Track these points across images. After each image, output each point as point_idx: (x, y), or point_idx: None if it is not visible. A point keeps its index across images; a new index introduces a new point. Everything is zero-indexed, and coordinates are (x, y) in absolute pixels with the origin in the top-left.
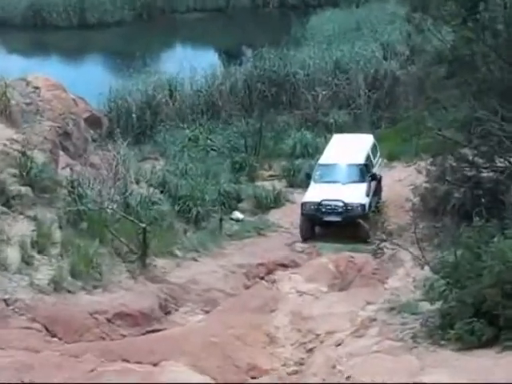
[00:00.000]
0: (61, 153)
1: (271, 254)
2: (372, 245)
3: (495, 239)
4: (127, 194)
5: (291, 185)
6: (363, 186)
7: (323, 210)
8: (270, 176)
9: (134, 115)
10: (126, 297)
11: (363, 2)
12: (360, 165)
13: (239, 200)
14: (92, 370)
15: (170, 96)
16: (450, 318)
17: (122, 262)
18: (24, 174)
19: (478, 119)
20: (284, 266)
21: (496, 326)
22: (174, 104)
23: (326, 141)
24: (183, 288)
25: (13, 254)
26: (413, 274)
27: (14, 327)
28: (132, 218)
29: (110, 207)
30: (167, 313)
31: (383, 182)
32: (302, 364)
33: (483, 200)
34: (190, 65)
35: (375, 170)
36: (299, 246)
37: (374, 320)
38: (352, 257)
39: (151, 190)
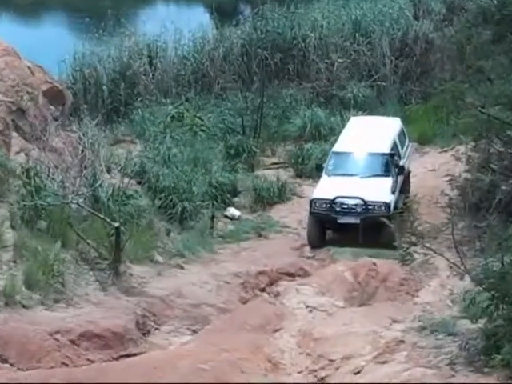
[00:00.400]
0: (13, 134)
1: (274, 260)
2: (399, 249)
3: None
4: (96, 185)
5: (299, 175)
6: (388, 181)
7: (337, 209)
8: (274, 164)
9: (104, 88)
10: (95, 313)
11: None
12: (384, 154)
13: (235, 193)
14: None
15: (149, 64)
16: (496, 340)
17: (90, 270)
18: None
19: None
20: (290, 275)
21: None
22: (154, 74)
23: (343, 121)
24: (166, 302)
25: None
26: (449, 285)
27: None
28: (102, 216)
29: (74, 202)
30: (146, 333)
31: (413, 172)
32: None
33: None
34: (174, 26)
35: (403, 163)
36: (309, 250)
37: (402, 342)
38: (374, 264)
39: (126, 180)
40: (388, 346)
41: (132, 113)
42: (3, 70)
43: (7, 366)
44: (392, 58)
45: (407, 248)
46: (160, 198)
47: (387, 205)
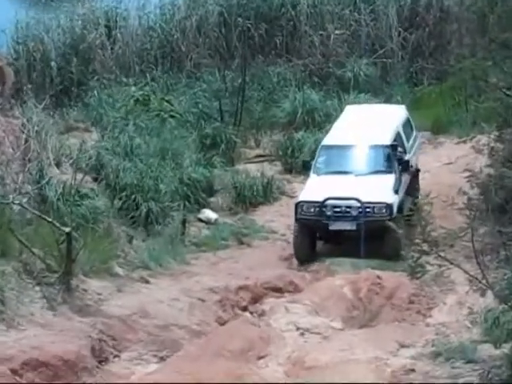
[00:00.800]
0: None
1: (259, 272)
2: (408, 260)
3: None
4: (43, 182)
5: (289, 170)
6: (389, 179)
7: (328, 213)
8: (258, 157)
9: (53, 64)
10: (42, 337)
11: None
12: (385, 147)
13: (211, 192)
14: None
15: (107, 36)
16: None
17: (36, 285)
18: None
19: None
20: (278, 290)
21: None
22: (113, 48)
23: (341, 105)
24: (127, 323)
25: None
26: (468, 302)
27: None
28: (50, 219)
29: (16, 202)
30: (103, 360)
31: (425, 166)
32: None
33: None
34: None
35: (409, 158)
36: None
37: (412, 371)
38: (379, 277)
39: (79, 176)
40: (395, 375)
41: (86, 95)
42: None
43: None
44: (400, 29)
45: (418, 258)
46: (120, 198)
47: (389, 206)
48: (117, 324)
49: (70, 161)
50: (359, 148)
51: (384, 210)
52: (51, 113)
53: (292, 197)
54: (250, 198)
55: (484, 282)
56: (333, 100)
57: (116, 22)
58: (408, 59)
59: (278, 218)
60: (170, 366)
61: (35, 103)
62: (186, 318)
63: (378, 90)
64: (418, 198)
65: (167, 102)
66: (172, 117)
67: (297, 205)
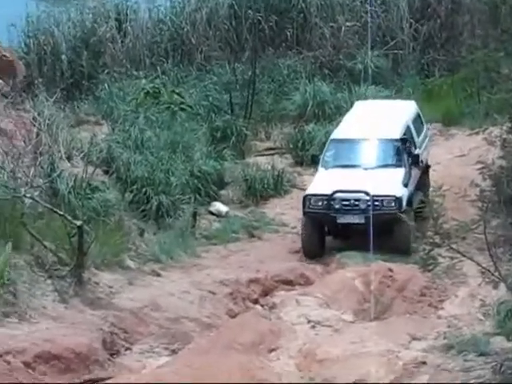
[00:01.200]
0: None
1: (269, 265)
2: (419, 252)
3: None
4: (54, 175)
5: (299, 162)
6: (399, 172)
7: (337, 206)
8: (268, 149)
9: (63, 58)
10: (54, 329)
11: None
12: (394, 140)
13: (222, 185)
14: None
15: (117, 29)
16: None
17: (48, 278)
18: None
19: None
20: (288, 283)
21: None
22: (123, 42)
23: (351, 97)
24: (138, 316)
25: None
26: (481, 295)
27: None
28: (62, 212)
29: (28, 195)
30: (114, 353)
31: (437, 158)
32: None
33: None
34: None
35: (419, 153)
36: None
37: (424, 364)
38: (390, 269)
39: (90, 169)
40: (406, 368)
41: (97, 88)
42: None
43: None
44: (411, 20)
45: (429, 250)
46: (131, 191)
47: (398, 199)
48: (128, 317)
49: (81, 154)
50: (368, 142)
51: (393, 203)
52: (62, 106)
53: (303, 189)
54: (260, 190)
55: (497, 274)
56: (343, 92)
57: (126, 15)
58: (419, 51)
59: (289, 211)
60: (181, 359)
61: (46, 97)
62: (197, 311)
63: (389, 82)
64: (428, 193)
65: (177, 94)
66: (182, 109)
67: (304, 198)
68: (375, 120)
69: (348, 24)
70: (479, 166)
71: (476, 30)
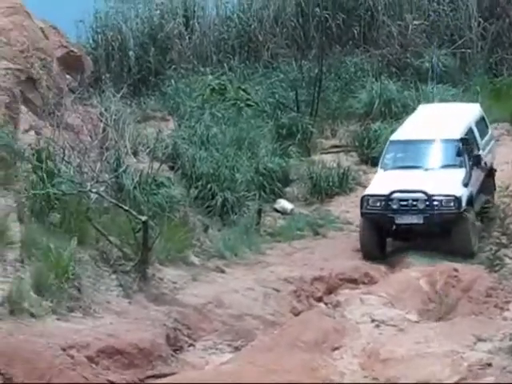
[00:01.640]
0: (22, 109)
1: (334, 263)
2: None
3: None
4: (120, 170)
5: (365, 161)
6: (459, 172)
7: (394, 207)
8: (334, 147)
9: (131, 54)
10: (118, 324)
11: None
12: (455, 141)
13: (287, 182)
14: None
15: (185, 26)
16: None
17: (112, 273)
18: None
19: None
20: (353, 281)
21: None
22: (190, 38)
23: (418, 96)
24: (202, 313)
25: None
26: None
27: None
28: (127, 208)
29: (94, 190)
30: (178, 349)
31: (504, 158)
32: None
33: None
34: None
35: (482, 155)
36: None
37: (489, 365)
38: (455, 270)
39: (156, 165)
40: (471, 369)
41: (164, 84)
42: (10, 31)
43: None
44: (479, 19)
45: (496, 251)
46: (196, 187)
47: (457, 200)
48: (192, 313)
49: (147, 150)
50: (428, 143)
51: (452, 203)
52: (129, 102)
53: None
54: (325, 188)
55: None
56: (410, 91)
57: (194, 11)
58: (487, 50)
59: (354, 209)
60: (243, 357)
61: (113, 92)
62: (261, 308)
63: (456, 81)
64: (493, 197)
65: (243, 91)
66: (248, 106)
67: (362, 199)
68: (436, 121)
69: (415, 22)
70: None
71: None
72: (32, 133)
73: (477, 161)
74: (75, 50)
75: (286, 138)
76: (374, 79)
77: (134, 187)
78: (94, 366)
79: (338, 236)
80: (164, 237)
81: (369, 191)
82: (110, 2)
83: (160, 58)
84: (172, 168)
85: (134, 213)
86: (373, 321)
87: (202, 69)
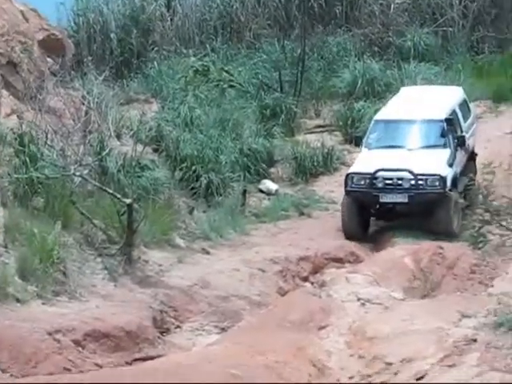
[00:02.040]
0: (3, 93)
1: (319, 242)
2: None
3: None
4: (104, 154)
5: (349, 140)
6: (444, 153)
7: (379, 185)
8: (318, 127)
9: (113, 36)
10: (104, 308)
11: None
12: (440, 121)
13: (271, 163)
14: None
15: (167, 7)
16: None
17: (97, 256)
18: None
19: None
20: (338, 260)
21: None
22: (172, 19)
23: (401, 74)
24: (188, 294)
25: None
26: None
27: None
28: (111, 191)
29: (77, 174)
30: (164, 331)
31: (486, 136)
32: None
33: None
34: None
35: (467, 139)
36: None
37: (474, 341)
38: (440, 247)
39: (140, 147)
40: (457, 346)
41: (146, 66)
42: None
43: None
44: None
45: (479, 228)
46: (181, 169)
47: (443, 179)
48: (178, 295)
49: (131, 132)
50: (413, 123)
51: (437, 183)
52: (111, 84)
53: None
54: (310, 168)
55: None
56: (393, 70)
57: None
58: (469, 28)
59: (338, 189)
60: (230, 337)
61: (95, 75)
62: (247, 289)
63: (438, 59)
64: (474, 181)
65: (226, 72)
66: (232, 87)
67: (347, 177)
68: (420, 102)
69: (397, 1)
70: None
71: None
72: (14, 117)
73: (461, 142)
74: (56, 33)
75: (270, 119)
76: (356, 59)
77: (118, 170)
78: (80, 349)
79: (323, 216)
80: (149, 219)
81: (354, 169)
82: None
83: (142, 40)
84: (156, 150)
85: (119, 196)
86: (358, 299)
87: (184, 50)
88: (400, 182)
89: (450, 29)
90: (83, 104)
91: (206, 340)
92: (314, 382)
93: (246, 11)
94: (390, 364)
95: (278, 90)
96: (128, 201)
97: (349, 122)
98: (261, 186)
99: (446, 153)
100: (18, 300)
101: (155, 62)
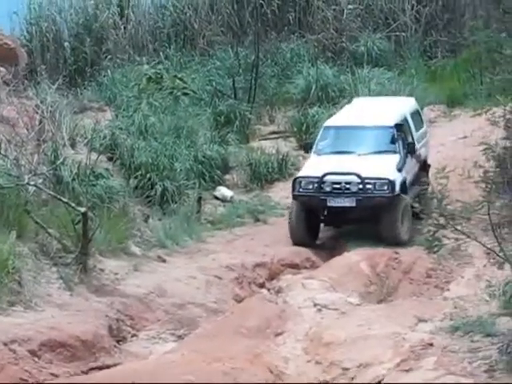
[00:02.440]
0: None
1: (275, 249)
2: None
3: None
4: (58, 162)
5: (304, 146)
6: (393, 158)
7: (327, 189)
8: (272, 133)
9: (66, 45)
10: (59, 317)
11: None
12: (389, 127)
13: (226, 170)
14: None
15: (119, 16)
16: None
17: (53, 266)
18: None
19: None
20: (295, 266)
21: None
22: (125, 28)
23: (355, 79)
24: (145, 302)
25: None
26: (486, 275)
27: None
28: (66, 200)
29: (32, 183)
30: (121, 340)
31: (440, 140)
32: None
33: None
34: None
35: (418, 148)
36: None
37: (430, 345)
38: (396, 252)
39: (94, 156)
40: (413, 350)
41: (100, 74)
42: None
43: None
44: (413, 2)
45: (434, 232)
46: (136, 177)
47: (391, 183)
48: (134, 303)
49: (85, 141)
50: (362, 129)
51: (386, 187)
52: (65, 93)
53: None
54: (265, 174)
55: (501, 254)
56: (346, 75)
57: (128, 1)
58: (422, 32)
59: None
60: (187, 345)
61: (49, 84)
62: (203, 296)
63: (391, 64)
64: (426, 190)
65: (180, 79)
66: (185, 94)
67: (294, 181)
68: (371, 110)
69: (350, 7)
70: (483, 146)
71: (478, 11)
72: None
73: (412, 148)
74: (9, 42)
75: (225, 126)
76: (310, 64)
77: (73, 179)
78: (36, 359)
79: (279, 222)
80: (104, 228)
81: (301, 173)
82: None
83: (96, 49)
84: (110, 159)
85: (73, 204)
86: (315, 305)
87: (138, 58)
88: (348, 186)
89: (403, 34)
90: (37, 113)
91: (163, 348)
92: None
93: (200, 18)
94: (347, 369)
95: (232, 96)
96: (83, 209)
97: (303, 128)
98: (216, 193)
99: (395, 158)
100: None
101: (109, 70)
